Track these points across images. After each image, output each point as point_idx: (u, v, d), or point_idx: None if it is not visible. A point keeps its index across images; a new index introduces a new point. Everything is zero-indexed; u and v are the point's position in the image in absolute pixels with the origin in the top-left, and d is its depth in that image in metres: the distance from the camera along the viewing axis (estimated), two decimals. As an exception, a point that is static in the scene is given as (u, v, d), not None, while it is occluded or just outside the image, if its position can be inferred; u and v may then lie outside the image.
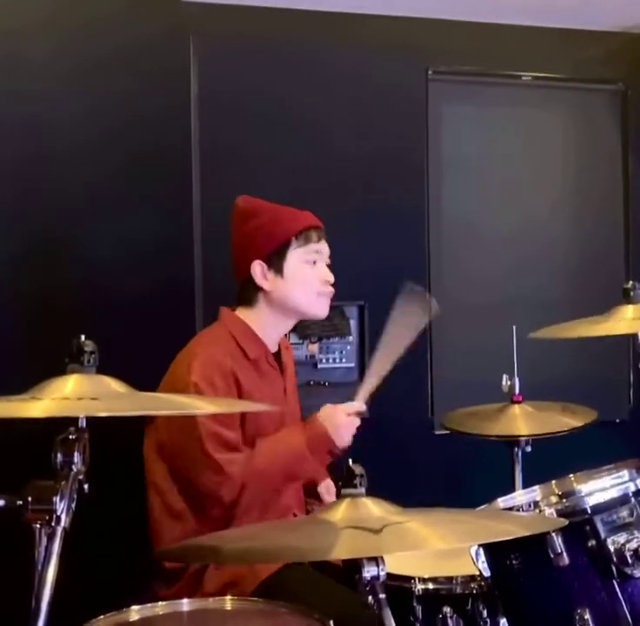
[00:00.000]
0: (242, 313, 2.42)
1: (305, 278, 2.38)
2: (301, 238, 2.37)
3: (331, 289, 2.43)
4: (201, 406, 1.75)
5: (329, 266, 2.44)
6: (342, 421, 2.31)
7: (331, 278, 2.41)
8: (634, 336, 2.35)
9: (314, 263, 2.40)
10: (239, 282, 2.44)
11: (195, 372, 2.24)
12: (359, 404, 2.36)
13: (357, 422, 2.33)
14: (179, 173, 3.25)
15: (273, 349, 2.44)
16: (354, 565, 1.54)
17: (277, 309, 2.40)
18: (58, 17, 3.07)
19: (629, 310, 2.34)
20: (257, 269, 2.37)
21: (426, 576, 2.10)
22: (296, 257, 2.37)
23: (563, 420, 2.73)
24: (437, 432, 3.53)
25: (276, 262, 2.37)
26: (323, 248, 2.42)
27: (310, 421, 2.35)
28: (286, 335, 2.60)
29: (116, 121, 3.11)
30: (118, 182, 3.12)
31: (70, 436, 1.46)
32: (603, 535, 1.87)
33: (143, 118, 3.15)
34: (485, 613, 2.03)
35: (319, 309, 2.43)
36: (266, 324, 2.41)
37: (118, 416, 1.41)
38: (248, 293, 2.41)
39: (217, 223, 3.23)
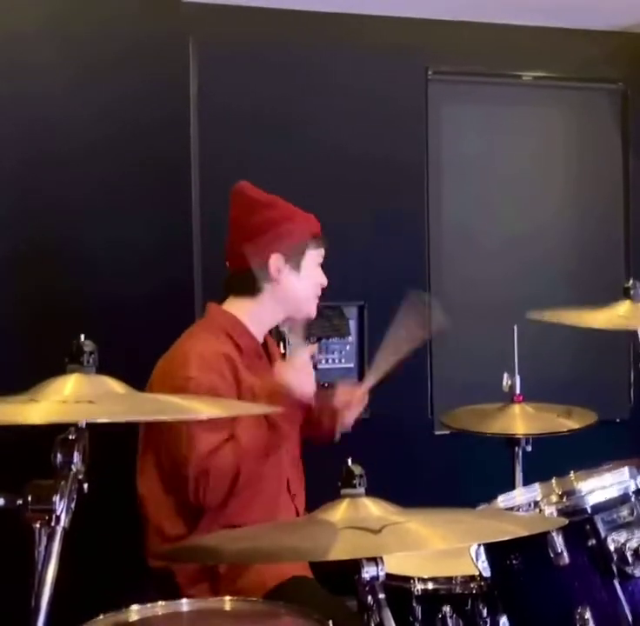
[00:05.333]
0: (233, 303, 2.43)
1: (314, 278, 2.46)
2: (317, 240, 2.46)
3: (321, 294, 2.51)
4: (201, 409, 1.74)
5: (323, 268, 2.50)
6: (296, 369, 2.28)
7: (326, 282, 2.49)
8: (634, 335, 2.35)
9: (319, 266, 2.48)
10: (241, 269, 2.40)
11: (192, 366, 2.24)
12: (309, 350, 2.38)
13: (311, 366, 2.32)
14: (179, 175, 3.25)
15: (260, 340, 2.47)
16: (353, 565, 1.54)
17: (279, 303, 2.44)
18: (58, 21, 3.07)
19: (629, 308, 2.33)
20: (275, 261, 2.39)
21: (425, 576, 2.10)
22: (312, 257, 2.45)
23: (563, 422, 2.73)
24: (437, 432, 3.54)
25: (294, 258, 2.41)
26: (323, 254, 2.50)
27: (265, 382, 2.30)
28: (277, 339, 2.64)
29: (116, 123, 3.11)
30: (118, 183, 3.12)
31: (70, 437, 1.46)
32: (603, 534, 1.87)
33: (143, 120, 3.15)
34: (485, 613, 2.03)
35: (312, 309, 2.50)
36: (260, 316, 2.43)
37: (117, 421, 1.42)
38: (252, 282, 2.40)
39: (217, 224, 3.23)
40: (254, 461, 2.23)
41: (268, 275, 2.39)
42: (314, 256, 2.45)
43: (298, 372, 2.27)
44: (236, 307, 2.42)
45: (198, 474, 2.17)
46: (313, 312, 2.51)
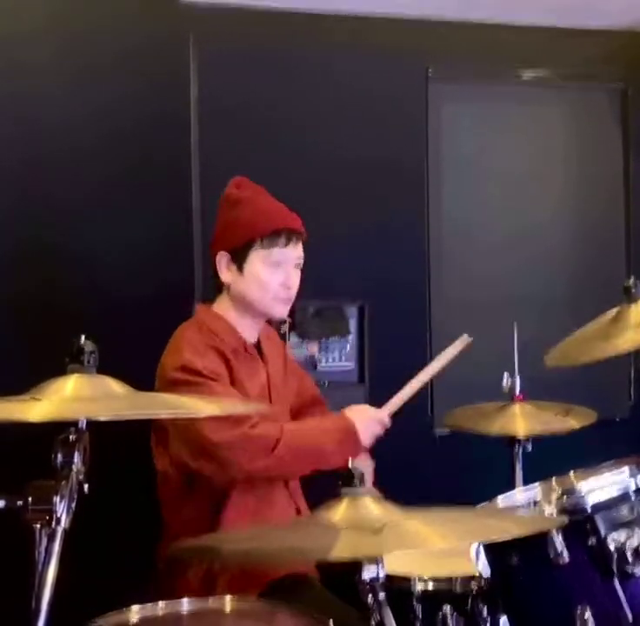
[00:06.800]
0: (217, 302, 2.45)
1: (262, 280, 2.37)
2: (267, 240, 2.36)
3: (289, 295, 2.41)
4: (201, 407, 1.75)
5: (307, 266, 2.44)
6: (369, 420, 2.37)
7: (292, 284, 2.40)
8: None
9: (277, 266, 2.38)
10: (211, 268, 2.45)
11: (186, 353, 2.27)
12: (385, 415, 2.44)
13: (380, 430, 2.41)
14: (179, 175, 3.25)
15: (251, 339, 2.45)
16: (354, 565, 1.54)
17: (237, 303, 2.41)
18: (58, 21, 3.06)
19: (636, 315, 2.28)
20: (223, 260, 2.39)
21: (426, 576, 2.10)
22: (257, 258, 2.36)
23: (563, 420, 2.73)
24: (437, 431, 3.53)
25: (238, 257, 2.38)
26: (290, 253, 2.39)
27: (338, 415, 2.39)
28: (279, 327, 2.62)
29: (116, 124, 3.11)
30: (118, 184, 3.12)
31: (70, 437, 1.46)
32: (603, 533, 1.87)
33: (143, 121, 3.15)
34: (485, 612, 2.03)
35: (275, 311, 2.43)
36: (236, 315, 2.42)
37: (117, 419, 1.42)
38: (216, 281, 2.43)
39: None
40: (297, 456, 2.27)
41: (218, 274, 2.40)
42: (261, 257, 2.35)
43: (366, 425, 2.35)
44: (219, 306, 2.44)
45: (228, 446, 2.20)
46: (277, 313, 2.43)
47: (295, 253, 2.40)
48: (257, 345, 2.48)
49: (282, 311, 2.44)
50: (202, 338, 2.33)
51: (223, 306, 2.43)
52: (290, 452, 2.24)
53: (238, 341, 2.40)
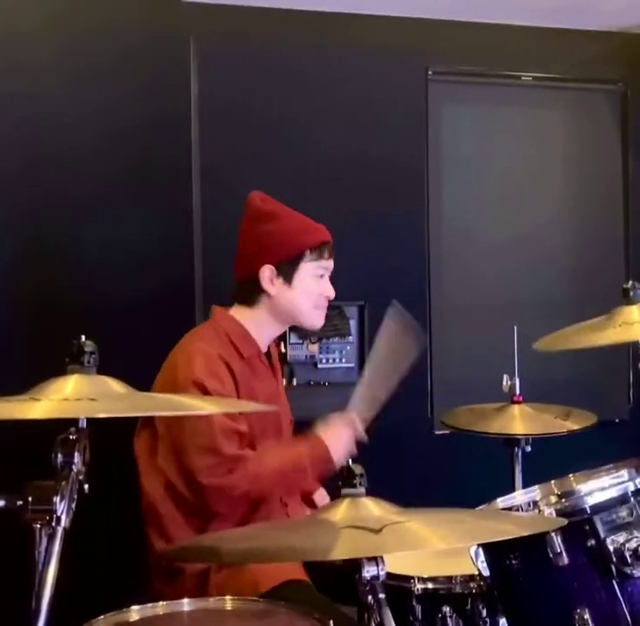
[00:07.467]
0: (237, 311, 2.44)
1: (310, 291, 2.43)
2: (315, 252, 2.42)
3: (326, 304, 2.48)
4: (201, 406, 1.75)
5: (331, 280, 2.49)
6: (343, 440, 2.37)
7: (332, 294, 2.47)
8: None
9: (321, 276, 2.45)
10: (241, 280, 2.45)
11: (197, 368, 2.26)
12: (360, 431, 2.43)
13: (354, 441, 2.40)
14: (179, 175, 3.26)
15: (264, 349, 2.47)
16: (354, 565, 1.54)
17: (276, 315, 2.43)
18: (58, 21, 3.07)
19: (630, 313, 2.28)
20: (266, 273, 2.39)
21: (425, 576, 2.10)
22: (307, 270, 2.42)
23: (562, 423, 2.73)
24: (437, 432, 3.54)
25: (286, 270, 2.40)
26: (331, 264, 2.47)
27: (312, 437, 2.38)
28: (277, 339, 2.64)
29: (117, 123, 3.12)
30: (119, 183, 3.13)
31: (71, 436, 1.46)
32: (602, 534, 1.86)
33: (144, 121, 3.15)
34: (485, 613, 2.03)
35: (315, 320, 2.48)
36: (261, 326, 2.44)
37: (118, 416, 1.42)
38: (249, 293, 2.43)
39: (217, 224, 3.24)
40: (271, 485, 2.28)
41: (260, 287, 2.40)
42: (310, 269, 2.42)
43: (338, 445, 2.34)
44: (240, 314, 2.44)
45: (213, 484, 2.21)
46: (316, 323, 2.50)
47: (332, 265, 2.48)
48: (268, 355, 2.50)
49: (320, 320, 2.50)
50: (215, 349, 2.32)
51: (243, 314, 2.43)
52: (262, 491, 2.27)
53: (255, 349, 2.42)
